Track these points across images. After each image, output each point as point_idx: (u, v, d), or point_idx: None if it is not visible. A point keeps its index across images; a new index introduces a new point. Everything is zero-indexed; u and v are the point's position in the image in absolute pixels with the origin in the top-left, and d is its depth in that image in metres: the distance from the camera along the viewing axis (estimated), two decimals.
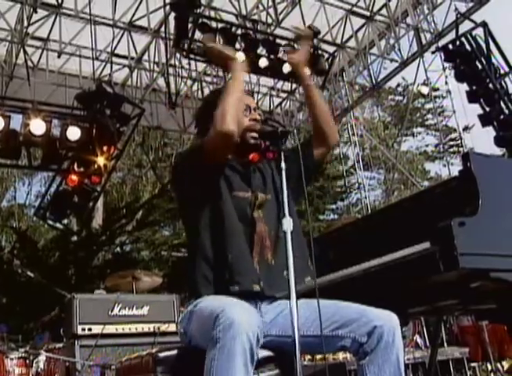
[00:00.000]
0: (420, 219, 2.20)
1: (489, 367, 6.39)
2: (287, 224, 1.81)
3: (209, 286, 1.96)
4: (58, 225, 8.20)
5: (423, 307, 2.66)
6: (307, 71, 2.24)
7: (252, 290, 1.94)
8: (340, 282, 2.48)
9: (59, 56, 8.68)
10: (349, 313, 1.92)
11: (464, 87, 7.96)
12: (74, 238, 11.09)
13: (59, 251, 11.23)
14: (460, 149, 17.63)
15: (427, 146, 22.77)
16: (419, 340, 6.81)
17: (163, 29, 8.54)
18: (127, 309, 4.73)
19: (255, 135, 2.13)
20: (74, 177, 7.13)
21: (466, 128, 18.66)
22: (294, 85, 10.58)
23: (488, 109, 7.66)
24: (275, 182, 2.16)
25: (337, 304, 1.97)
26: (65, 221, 8.73)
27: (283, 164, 1.97)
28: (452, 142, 19.71)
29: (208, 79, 10.02)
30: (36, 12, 7.66)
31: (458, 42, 7.83)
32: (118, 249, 12.81)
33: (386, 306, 1.97)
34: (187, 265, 2.07)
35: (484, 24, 7.76)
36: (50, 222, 7.94)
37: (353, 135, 12.96)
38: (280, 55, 7.91)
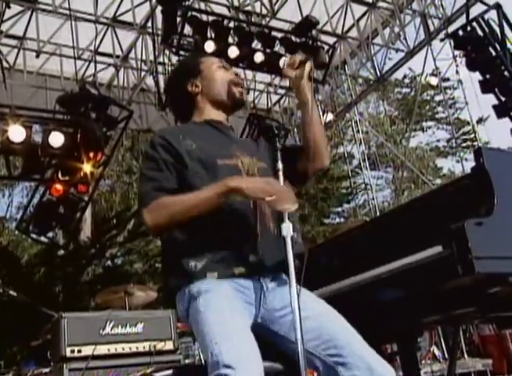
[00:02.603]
0: (431, 221, 2.20)
1: None
2: (286, 230, 1.81)
3: (210, 264, 1.95)
4: (42, 238, 8.20)
5: (438, 316, 2.66)
6: (308, 92, 2.15)
7: (255, 262, 1.95)
8: (347, 291, 2.48)
9: (37, 56, 8.68)
10: (345, 341, 1.89)
11: (477, 76, 7.96)
12: (61, 252, 11.05)
13: (45, 266, 11.19)
14: (474, 143, 17.66)
15: (438, 141, 22.82)
16: (436, 351, 6.80)
17: (150, 24, 8.57)
18: (119, 327, 4.71)
19: (240, 89, 2.19)
20: (59, 186, 7.13)
21: (480, 121, 18.71)
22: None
23: (503, 99, 7.66)
24: (267, 151, 2.16)
25: (341, 324, 1.95)
26: (50, 234, 8.71)
27: (280, 165, 1.96)
28: (465, 136, 19.74)
29: None
30: (9, 7, 7.65)
31: (469, 27, 7.81)
32: (109, 262, 12.77)
33: (398, 315, 1.97)
34: (170, 252, 2.06)
35: (497, 6, 7.76)
36: (34, 236, 7.93)
37: (358, 132, 12.96)
38: (277, 48, 7.93)
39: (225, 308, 1.87)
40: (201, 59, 2.29)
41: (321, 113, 11.05)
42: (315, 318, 1.90)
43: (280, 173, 1.93)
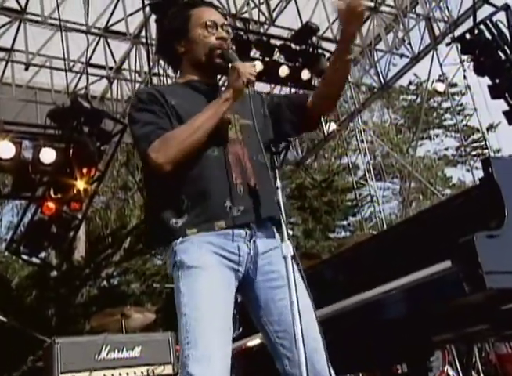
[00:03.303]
0: (439, 234, 2.20)
1: None
2: (286, 249, 1.81)
3: (190, 221, 2.03)
4: (34, 259, 8.18)
5: (450, 334, 2.65)
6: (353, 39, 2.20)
7: (236, 216, 2.02)
8: (353, 310, 2.47)
9: (26, 69, 8.69)
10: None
11: (486, 81, 7.96)
12: (53, 273, 11.06)
13: (37, 289, 11.19)
14: (485, 151, 17.66)
15: (446, 149, 22.85)
16: (451, 372, 6.73)
17: (143, 34, 8.60)
18: (116, 351, 4.71)
19: (220, 52, 2.21)
20: (51, 204, 7.13)
21: (490, 127, 18.76)
22: (293, 90, 10.63)
23: None
24: (254, 109, 2.16)
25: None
26: (42, 254, 8.70)
27: (278, 184, 1.97)
28: (475, 144, 19.77)
29: None
30: None
31: (476, 31, 7.81)
32: (105, 283, 12.77)
33: (407, 334, 1.96)
34: (153, 209, 2.13)
35: (506, 7, 7.76)
36: (25, 257, 7.91)
37: (362, 141, 12.96)
38: (276, 56, 7.97)
39: (203, 300, 1.95)
40: (190, 13, 2.29)
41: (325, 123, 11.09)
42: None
43: (279, 191, 1.96)
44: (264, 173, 2.04)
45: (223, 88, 2.19)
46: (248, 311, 2.14)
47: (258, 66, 7.73)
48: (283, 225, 1.92)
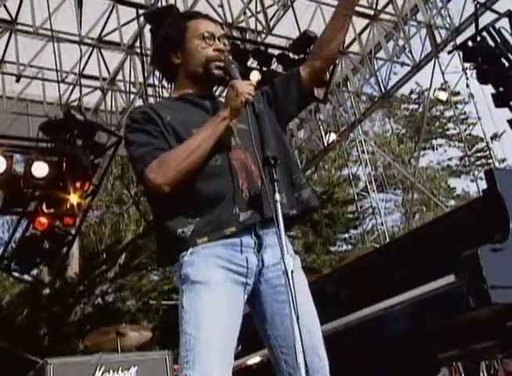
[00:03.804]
0: (442, 248, 2.20)
1: None
2: (289, 264, 1.81)
3: (198, 229, 2.04)
4: (25, 277, 8.15)
5: (455, 351, 2.64)
6: None
7: (245, 220, 2.04)
8: (355, 326, 2.47)
9: (17, 80, 8.70)
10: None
11: (489, 89, 7.98)
12: (46, 291, 11.02)
13: (28, 307, 11.14)
14: (489, 161, 17.72)
15: (450, 159, 22.88)
16: None
17: (138, 44, 8.64)
18: (111, 371, 4.68)
19: (220, 64, 2.23)
20: (43, 219, 7.12)
21: (494, 137, 18.81)
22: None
23: None
24: (253, 111, 2.23)
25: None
26: (34, 271, 8.69)
27: (277, 197, 1.97)
28: (479, 154, 19.81)
29: None
30: None
31: (479, 38, 7.85)
32: (99, 300, 12.74)
33: (411, 351, 1.96)
34: (159, 219, 2.15)
35: (509, 14, 7.79)
36: (16, 275, 7.89)
37: (363, 152, 13.02)
38: (274, 66, 8.00)
39: (205, 319, 1.96)
40: (186, 25, 2.31)
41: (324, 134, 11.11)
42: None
43: (278, 204, 1.96)
44: (267, 172, 2.06)
45: (220, 98, 2.21)
46: (254, 323, 2.15)
47: (256, 76, 7.77)
48: (283, 239, 1.92)
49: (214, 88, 2.57)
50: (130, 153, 2.15)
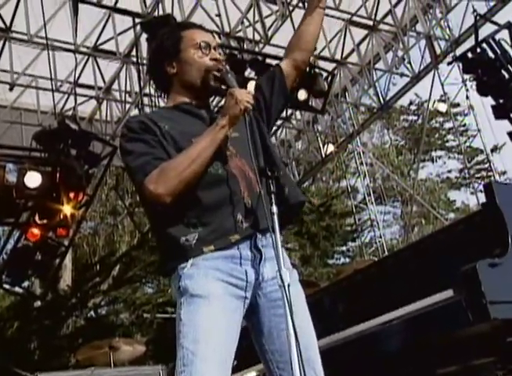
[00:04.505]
0: (441, 262, 2.21)
1: None
2: (285, 277, 1.82)
3: (204, 237, 2.05)
4: (16, 289, 8.11)
5: (454, 366, 2.64)
6: None
7: (248, 227, 2.06)
8: (353, 341, 2.47)
9: (11, 89, 8.72)
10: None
11: (489, 101, 8.01)
12: (37, 303, 10.97)
13: (19, 320, 11.08)
14: (489, 173, 17.75)
15: (449, 171, 22.91)
16: None
17: (134, 53, 8.67)
18: None
19: (217, 74, 2.24)
20: (36, 230, 7.10)
21: (495, 149, 18.86)
22: (290, 111, 10.71)
23: None
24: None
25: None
26: (25, 283, 8.65)
27: (274, 209, 1.98)
28: (479, 166, 19.85)
29: None
30: None
31: (478, 49, 7.89)
32: (92, 313, 12.70)
33: (410, 367, 1.96)
34: (160, 228, 2.14)
35: (509, 26, 7.85)
36: (6, 287, 7.84)
37: (361, 164, 13.06)
38: None
39: (203, 333, 1.95)
40: (181, 34, 2.33)
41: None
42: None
43: (275, 217, 1.97)
44: (266, 178, 2.09)
45: (215, 109, 2.22)
46: (250, 337, 2.14)
47: (253, 86, 7.78)
48: (280, 251, 1.92)
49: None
50: (127, 164, 2.14)
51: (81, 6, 7.95)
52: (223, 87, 2.24)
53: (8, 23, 8.01)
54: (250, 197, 2.09)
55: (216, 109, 2.29)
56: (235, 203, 2.07)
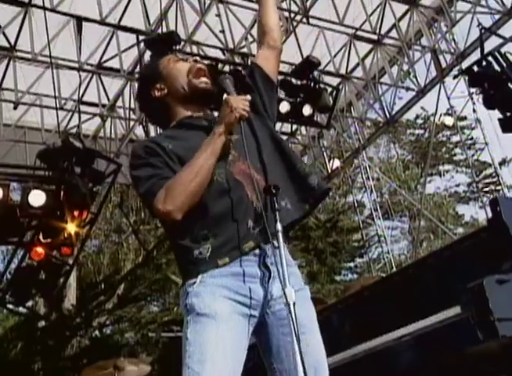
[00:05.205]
0: (448, 278, 2.21)
1: None
2: (290, 295, 1.82)
3: (217, 249, 2.05)
4: (20, 309, 8.11)
5: None
6: None
7: (259, 233, 2.04)
8: (361, 358, 2.47)
9: (15, 107, 8.78)
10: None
11: (496, 114, 8.02)
12: (41, 323, 10.97)
13: (23, 341, 11.06)
14: (498, 187, 17.71)
15: (457, 185, 22.91)
16: None
17: (138, 70, 8.74)
18: None
19: (203, 78, 2.30)
20: (40, 249, 7.11)
21: (503, 162, 18.86)
22: (295, 126, 10.74)
23: None
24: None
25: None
26: (29, 303, 8.65)
27: (279, 227, 1.98)
28: (487, 180, 19.82)
29: None
30: None
31: (484, 62, 7.92)
32: (97, 332, 12.65)
33: None
34: (174, 241, 2.16)
35: None
36: (10, 307, 7.84)
37: (368, 179, 13.05)
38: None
39: (209, 354, 1.94)
40: (159, 61, 2.42)
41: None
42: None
43: (280, 234, 1.96)
44: (271, 173, 2.12)
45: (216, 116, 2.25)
46: (260, 354, 2.13)
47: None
48: (284, 268, 1.92)
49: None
50: (138, 191, 2.17)
51: (84, 24, 8.03)
52: (215, 90, 2.30)
53: (12, 42, 8.11)
54: (259, 200, 2.07)
55: (217, 114, 2.30)
56: (243, 209, 2.07)
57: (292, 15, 8.83)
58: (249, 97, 2.20)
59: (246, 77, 2.44)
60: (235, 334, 2.00)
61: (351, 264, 19.33)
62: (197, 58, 2.40)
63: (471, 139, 19.98)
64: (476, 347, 1.96)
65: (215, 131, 2.12)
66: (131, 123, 9.60)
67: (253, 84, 2.40)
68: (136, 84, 2.64)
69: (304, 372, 1.78)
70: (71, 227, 6.91)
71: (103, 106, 9.41)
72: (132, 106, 9.33)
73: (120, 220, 17.73)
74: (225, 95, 2.22)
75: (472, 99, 11.97)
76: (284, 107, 8.01)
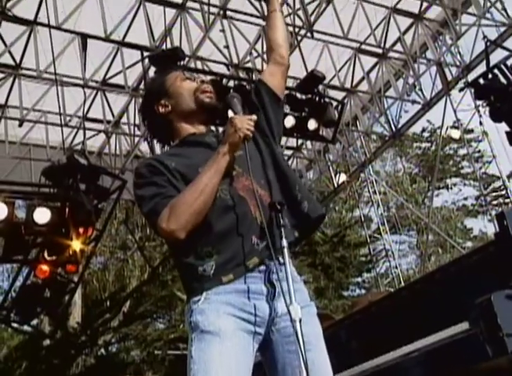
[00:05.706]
0: (458, 293, 2.20)
1: None
2: (295, 312, 1.82)
3: (221, 266, 2.05)
4: (25, 327, 8.10)
5: None
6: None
7: (264, 249, 2.04)
8: (369, 375, 2.46)
9: (20, 125, 8.84)
10: None
11: (503, 126, 8.01)
12: (46, 342, 10.94)
13: (27, 360, 11.04)
14: (507, 200, 17.65)
15: (465, 199, 22.83)
16: None
17: (142, 86, 8.79)
18: None
19: (209, 95, 2.32)
20: (45, 267, 7.12)
21: (511, 175, 18.80)
22: (300, 141, 10.77)
23: None
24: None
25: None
26: (34, 321, 8.64)
27: (284, 243, 1.99)
28: (496, 193, 19.76)
29: None
30: None
31: (490, 75, 7.93)
32: (102, 351, 12.62)
33: None
34: (178, 258, 2.17)
35: None
36: (15, 325, 7.83)
37: (374, 193, 13.04)
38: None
39: (213, 372, 1.94)
40: (165, 78, 2.43)
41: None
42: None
43: (285, 250, 1.98)
44: (275, 190, 2.15)
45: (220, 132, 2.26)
46: (265, 372, 2.13)
47: None
48: (290, 284, 1.93)
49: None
50: (142, 210, 2.18)
51: (89, 41, 8.10)
52: (220, 105, 2.32)
53: (18, 60, 8.18)
54: (263, 215, 2.06)
55: (222, 130, 2.32)
56: (247, 226, 2.07)
57: (296, 29, 8.88)
58: (254, 117, 2.21)
59: (251, 95, 2.43)
60: (239, 351, 1.99)
61: (359, 279, 19.27)
62: (204, 79, 2.42)
63: (479, 151, 19.96)
64: (485, 363, 1.95)
65: (219, 151, 2.13)
66: (136, 139, 9.64)
67: (258, 102, 2.40)
68: (141, 102, 2.64)
69: None
70: (76, 244, 6.92)
71: (108, 122, 9.46)
72: (137, 122, 9.38)
73: (125, 237, 17.77)
74: (230, 114, 2.23)
75: (479, 111, 11.96)
76: (289, 122, 8.02)
